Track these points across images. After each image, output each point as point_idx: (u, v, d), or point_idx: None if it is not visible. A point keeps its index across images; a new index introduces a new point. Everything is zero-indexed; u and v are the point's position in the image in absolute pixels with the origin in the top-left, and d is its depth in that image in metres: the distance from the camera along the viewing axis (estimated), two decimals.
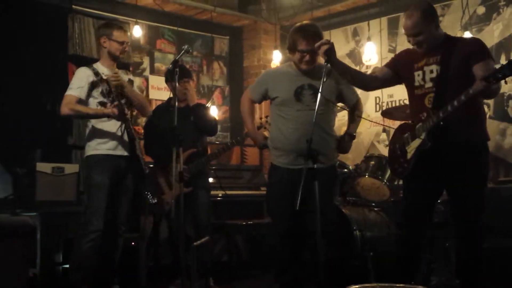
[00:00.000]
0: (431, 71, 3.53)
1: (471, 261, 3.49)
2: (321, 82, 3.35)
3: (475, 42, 3.61)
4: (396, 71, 3.74)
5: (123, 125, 4.16)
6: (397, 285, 3.07)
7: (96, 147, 4.19)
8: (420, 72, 3.58)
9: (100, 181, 4.12)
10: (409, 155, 3.59)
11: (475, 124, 3.52)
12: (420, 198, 3.60)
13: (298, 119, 3.86)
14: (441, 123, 3.39)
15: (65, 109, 4.14)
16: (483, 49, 3.50)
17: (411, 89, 3.67)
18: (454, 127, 3.41)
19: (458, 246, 3.64)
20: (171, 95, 4.66)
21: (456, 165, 3.46)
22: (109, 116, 4.09)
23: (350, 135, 4.00)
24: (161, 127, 4.57)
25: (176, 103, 4.01)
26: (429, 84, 3.54)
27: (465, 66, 3.41)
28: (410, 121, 3.68)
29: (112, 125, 4.19)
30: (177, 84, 4.07)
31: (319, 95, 3.35)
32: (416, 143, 3.53)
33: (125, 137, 4.20)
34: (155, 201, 4.74)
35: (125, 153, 4.21)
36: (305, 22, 4.01)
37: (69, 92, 4.16)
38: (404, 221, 3.73)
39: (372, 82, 3.84)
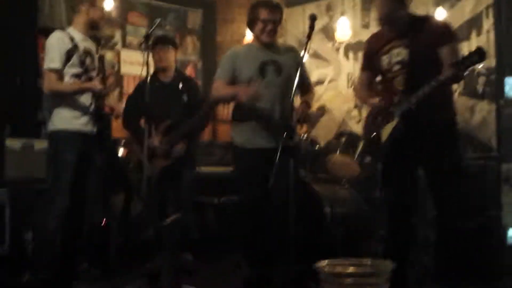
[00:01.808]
0: (398, 54, 3.55)
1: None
2: (304, 53, 3.49)
3: (442, 24, 3.69)
4: (373, 65, 3.76)
5: (97, 101, 4.07)
6: (365, 259, 3.14)
7: (66, 121, 4.04)
8: (387, 56, 3.61)
9: (68, 158, 4.00)
10: (383, 138, 3.62)
11: (444, 104, 3.57)
12: (407, 185, 3.61)
13: (263, 96, 3.87)
14: (413, 107, 3.41)
15: (47, 90, 4.05)
16: (450, 31, 3.57)
17: (380, 73, 3.71)
18: (425, 110, 3.42)
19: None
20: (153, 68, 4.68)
21: (431, 147, 3.50)
22: (91, 90, 4.00)
23: (305, 103, 4.01)
24: (143, 102, 4.38)
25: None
26: (397, 67, 3.57)
27: (433, 48, 3.44)
28: (379, 104, 3.68)
29: (85, 100, 4.07)
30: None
31: (299, 70, 3.45)
32: (389, 127, 3.56)
33: (97, 113, 4.10)
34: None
35: (95, 130, 4.10)
36: None
37: (49, 65, 3.97)
38: (392, 213, 3.70)
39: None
